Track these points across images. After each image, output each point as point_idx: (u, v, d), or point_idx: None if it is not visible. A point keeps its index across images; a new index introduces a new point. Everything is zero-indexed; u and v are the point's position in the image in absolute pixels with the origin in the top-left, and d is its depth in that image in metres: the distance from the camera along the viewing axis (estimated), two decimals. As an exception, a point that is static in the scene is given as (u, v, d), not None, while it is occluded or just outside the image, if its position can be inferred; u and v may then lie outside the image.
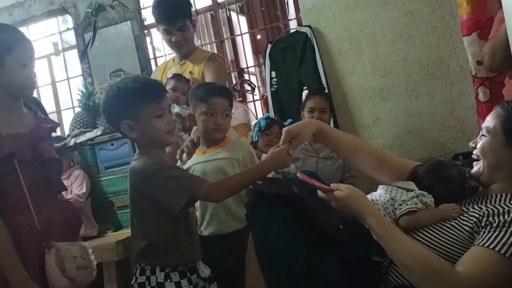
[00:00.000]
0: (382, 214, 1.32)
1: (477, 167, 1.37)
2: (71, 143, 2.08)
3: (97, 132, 2.27)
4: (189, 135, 2.13)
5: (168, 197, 1.35)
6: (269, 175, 1.55)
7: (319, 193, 1.32)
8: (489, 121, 1.33)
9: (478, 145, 1.35)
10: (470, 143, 1.41)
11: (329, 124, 2.78)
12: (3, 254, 1.35)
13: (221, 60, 2.45)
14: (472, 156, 1.41)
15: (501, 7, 2.08)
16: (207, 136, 1.76)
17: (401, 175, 1.51)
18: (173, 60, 2.50)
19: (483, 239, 1.15)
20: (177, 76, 2.30)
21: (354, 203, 1.24)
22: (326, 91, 2.92)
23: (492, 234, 1.14)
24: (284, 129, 1.51)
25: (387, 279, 1.32)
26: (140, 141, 1.45)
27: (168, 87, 2.25)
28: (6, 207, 1.42)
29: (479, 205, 1.31)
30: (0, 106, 1.47)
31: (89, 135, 2.25)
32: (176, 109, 2.20)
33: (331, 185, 1.29)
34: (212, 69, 2.32)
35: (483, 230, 1.18)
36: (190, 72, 2.35)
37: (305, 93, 2.96)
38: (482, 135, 1.35)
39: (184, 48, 2.37)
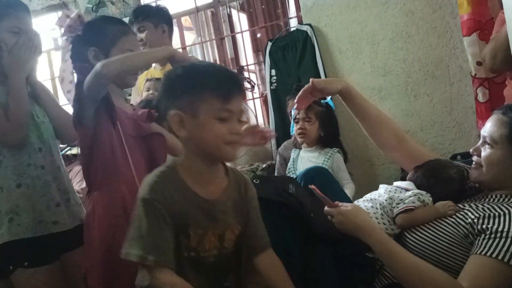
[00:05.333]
0: (383, 222, 1.33)
1: (477, 172, 1.36)
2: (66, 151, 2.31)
3: None
4: None
5: None
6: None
7: (325, 208, 1.32)
8: (494, 130, 1.29)
9: (483, 155, 1.32)
10: (471, 150, 1.39)
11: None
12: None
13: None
14: (472, 164, 1.39)
15: (502, 7, 2.09)
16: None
17: (416, 161, 1.52)
18: (154, 67, 2.61)
19: (483, 247, 1.13)
20: (149, 79, 2.43)
21: (356, 218, 1.23)
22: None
23: (492, 242, 1.13)
24: (311, 79, 1.53)
25: (382, 276, 1.33)
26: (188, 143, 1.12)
27: (144, 90, 2.42)
28: (114, 180, 1.43)
29: (476, 203, 1.31)
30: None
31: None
32: None
33: (336, 202, 1.30)
34: None
35: (481, 236, 1.17)
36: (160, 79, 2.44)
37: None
38: (487, 144, 1.31)
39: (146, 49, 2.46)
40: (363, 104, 1.62)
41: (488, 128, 1.31)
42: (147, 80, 2.43)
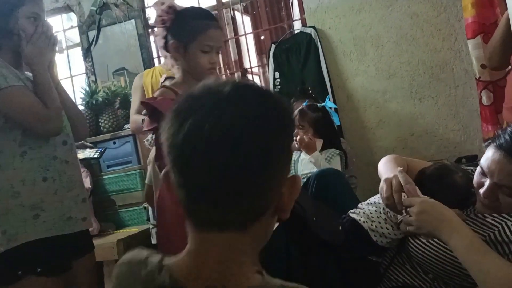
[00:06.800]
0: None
1: (491, 211, 1.24)
2: None
3: (94, 154, 2.56)
4: None
5: None
6: None
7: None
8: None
9: (504, 203, 1.19)
10: (482, 193, 1.22)
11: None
12: None
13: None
14: (484, 202, 1.25)
15: (505, 10, 2.09)
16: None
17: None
18: (162, 65, 2.60)
19: None
20: (168, 77, 2.42)
21: (445, 210, 1.14)
22: (330, 91, 2.91)
23: None
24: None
25: (386, 279, 1.32)
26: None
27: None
28: None
29: (483, 214, 1.28)
30: (184, 84, 1.55)
31: (87, 153, 2.56)
32: None
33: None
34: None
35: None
36: None
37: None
38: (506, 193, 1.18)
39: None
40: None
41: (505, 176, 1.16)
42: (167, 78, 2.43)
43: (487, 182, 1.20)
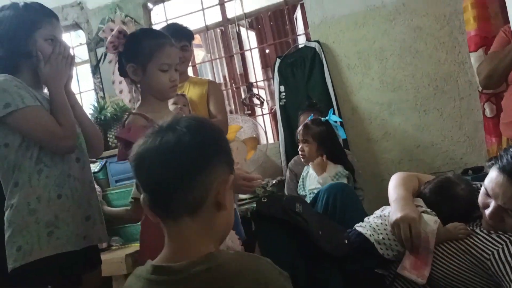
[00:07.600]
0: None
1: (492, 229, 1.26)
2: None
3: (95, 168, 2.58)
4: None
5: None
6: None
7: None
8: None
9: (509, 224, 1.20)
10: (488, 214, 1.23)
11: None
12: None
13: (219, 85, 2.68)
14: (488, 222, 1.26)
15: (505, 24, 2.11)
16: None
17: None
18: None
19: None
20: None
21: None
22: (335, 105, 2.93)
23: None
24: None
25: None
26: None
27: (171, 103, 2.37)
28: None
29: (488, 230, 1.27)
30: (149, 105, 1.55)
31: None
32: None
33: None
34: (217, 94, 2.52)
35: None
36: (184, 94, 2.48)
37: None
38: (511, 217, 1.19)
39: (182, 67, 2.50)
40: None
41: (509, 199, 1.17)
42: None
43: (492, 204, 1.21)
